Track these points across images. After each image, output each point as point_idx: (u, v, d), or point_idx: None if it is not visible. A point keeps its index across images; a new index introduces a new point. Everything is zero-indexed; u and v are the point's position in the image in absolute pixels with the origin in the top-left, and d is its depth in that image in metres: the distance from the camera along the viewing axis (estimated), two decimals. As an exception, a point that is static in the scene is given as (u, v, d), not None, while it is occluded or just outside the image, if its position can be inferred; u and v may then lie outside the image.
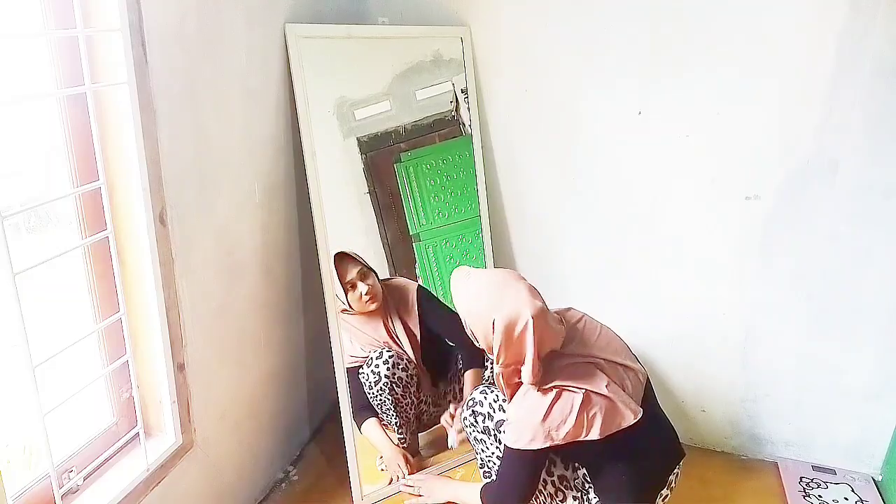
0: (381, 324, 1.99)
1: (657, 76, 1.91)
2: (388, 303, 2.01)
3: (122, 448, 1.51)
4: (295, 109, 1.84)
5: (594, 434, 1.44)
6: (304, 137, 1.84)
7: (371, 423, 1.98)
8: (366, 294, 1.91)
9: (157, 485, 1.50)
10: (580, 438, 1.43)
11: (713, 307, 2.07)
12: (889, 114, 1.73)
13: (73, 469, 1.38)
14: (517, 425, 1.48)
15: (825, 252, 1.90)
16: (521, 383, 1.49)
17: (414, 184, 2.07)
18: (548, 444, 1.43)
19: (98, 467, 1.45)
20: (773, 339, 2.04)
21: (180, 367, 1.55)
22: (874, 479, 2.04)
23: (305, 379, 2.21)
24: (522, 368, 1.46)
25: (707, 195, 1.96)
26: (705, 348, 2.13)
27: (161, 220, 1.44)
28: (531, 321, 1.41)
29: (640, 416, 1.48)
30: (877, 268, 1.86)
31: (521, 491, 1.54)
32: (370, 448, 2.02)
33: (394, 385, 1.93)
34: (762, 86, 1.82)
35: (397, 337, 2.01)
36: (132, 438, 1.52)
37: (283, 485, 2.07)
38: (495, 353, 1.47)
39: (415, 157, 2.07)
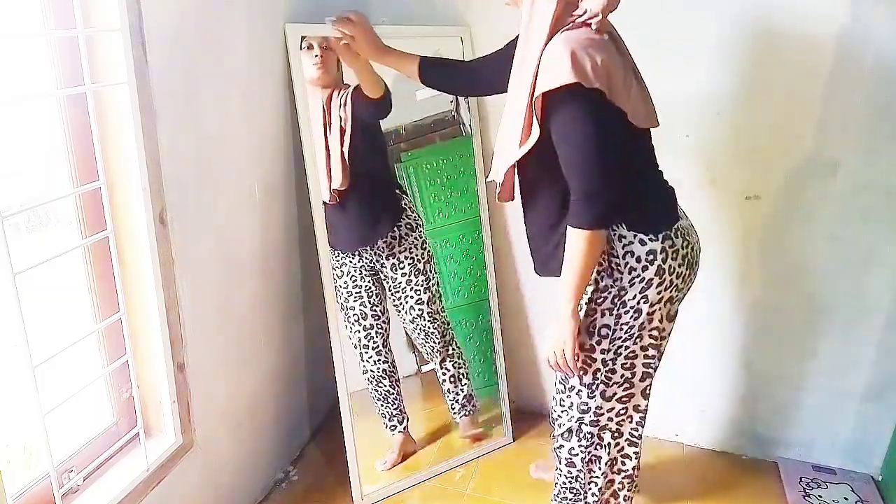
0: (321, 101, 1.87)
1: (657, 75, 1.90)
2: (338, 84, 1.89)
3: (122, 448, 1.51)
4: (295, 109, 1.84)
5: (632, 101, 1.32)
6: (304, 137, 1.83)
7: None
8: (316, 57, 1.84)
9: (157, 485, 1.50)
10: (617, 91, 1.27)
11: (714, 307, 2.07)
12: (889, 114, 1.73)
13: (73, 469, 1.38)
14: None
15: (825, 252, 1.90)
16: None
17: (414, 184, 2.07)
18: (588, 81, 1.22)
19: (98, 467, 1.45)
20: (774, 338, 2.04)
21: (180, 367, 1.55)
22: (874, 479, 2.04)
23: (305, 379, 2.21)
24: None
25: (707, 195, 1.96)
26: (705, 348, 2.13)
27: (161, 220, 1.44)
28: None
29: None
30: (877, 267, 1.86)
31: (607, 162, 1.29)
32: (370, 448, 2.02)
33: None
34: (762, 86, 1.82)
35: (330, 124, 1.88)
36: (132, 438, 1.52)
37: (283, 485, 2.07)
38: None
39: (415, 157, 2.07)
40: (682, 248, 1.41)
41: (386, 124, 2.02)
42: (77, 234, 1.37)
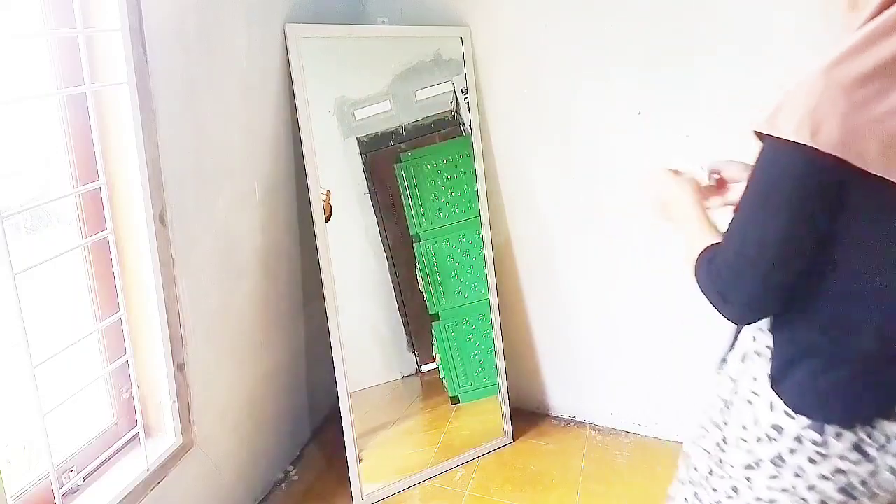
0: None
1: (657, 76, 1.90)
2: None
3: (122, 448, 1.50)
4: (295, 109, 1.84)
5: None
6: (304, 137, 1.83)
7: None
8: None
9: (157, 485, 1.50)
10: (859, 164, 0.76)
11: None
12: None
13: (73, 469, 1.38)
14: (784, 102, 0.81)
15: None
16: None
17: (414, 184, 2.07)
18: (817, 148, 0.76)
19: (98, 467, 1.45)
20: (773, 339, 2.04)
21: (180, 367, 1.55)
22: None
23: (305, 379, 2.21)
24: None
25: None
26: (706, 348, 2.13)
27: (161, 219, 1.44)
28: None
29: None
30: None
31: (763, 249, 0.84)
32: (370, 448, 2.02)
33: None
34: (762, 86, 1.82)
35: None
36: (132, 438, 1.52)
37: (283, 485, 2.07)
38: None
39: (415, 157, 2.07)
40: (846, 461, 0.87)
41: (386, 124, 2.02)
42: (77, 234, 1.37)
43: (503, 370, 2.25)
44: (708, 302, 0.93)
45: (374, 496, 1.99)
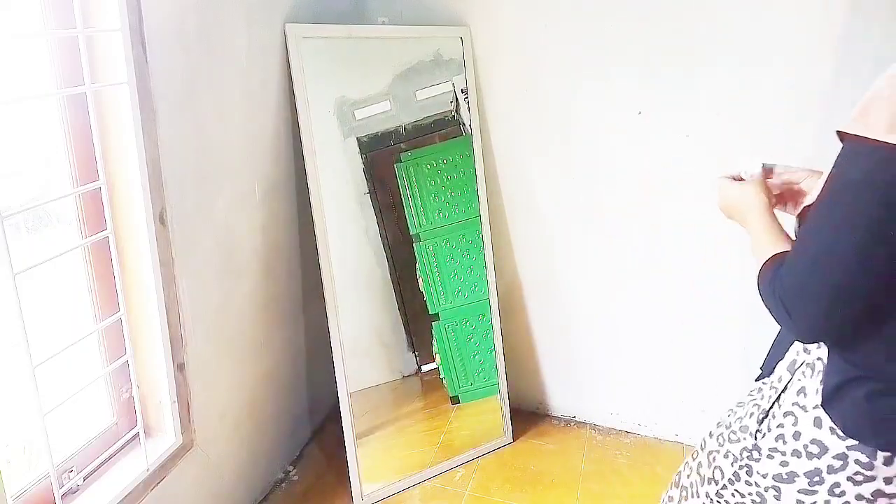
0: None
1: (657, 76, 1.90)
2: None
3: (122, 448, 1.50)
4: (295, 109, 1.84)
5: None
6: (304, 137, 1.83)
7: None
8: None
9: (156, 485, 1.50)
10: None
11: (714, 307, 2.07)
12: None
13: (73, 469, 1.38)
14: (872, 101, 0.76)
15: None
16: None
17: (414, 184, 2.07)
18: None
19: (98, 467, 1.45)
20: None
21: (180, 367, 1.55)
22: (874, 479, 2.04)
23: (305, 379, 2.21)
24: None
25: (708, 195, 1.95)
26: (706, 348, 2.13)
27: (161, 220, 1.44)
28: None
29: None
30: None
31: (839, 275, 0.77)
32: (370, 448, 2.02)
33: None
34: (762, 86, 1.82)
35: None
36: (132, 438, 1.52)
37: (283, 485, 2.07)
38: None
39: (415, 157, 2.07)
40: (891, 485, 0.84)
41: (386, 124, 2.02)
42: (77, 234, 1.37)
43: (503, 370, 2.25)
44: (772, 316, 0.87)
45: (374, 496, 1.99)
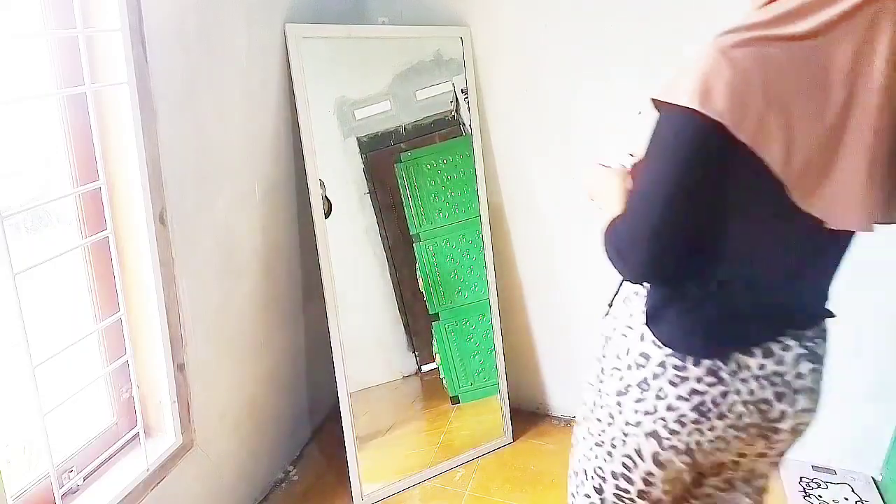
0: None
1: (657, 75, 1.90)
2: None
3: (121, 448, 1.51)
4: (295, 109, 1.84)
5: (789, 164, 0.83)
6: (304, 137, 1.83)
7: None
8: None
9: (156, 485, 1.50)
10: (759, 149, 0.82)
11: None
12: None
13: (73, 469, 1.38)
14: (681, 72, 0.88)
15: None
16: None
17: (414, 184, 2.07)
18: (707, 114, 0.81)
19: (98, 467, 1.45)
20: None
21: (180, 367, 1.55)
22: (874, 479, 2.04)
23: (305, 379, 2.21)
24: None
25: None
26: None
27: (161, 220, 1.44)
28: None
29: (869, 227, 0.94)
30: (877, 266, 1.86)
31: (656, 221, 0.90)
32: (370, 448, 2.02)
33: None
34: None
35: None
36: (132, 438, 1.52)
37: (283, 485, 2.07)
38: None
39: (415, 157, 2.07)
40: (702, 383, 0.98)
41: (386, 124, 2.02)
42: (77, 234, 1.37)
43: (503, 370, 2.25)
44: (610, 264, 1.00)
45: (374, 496, 1.99)
